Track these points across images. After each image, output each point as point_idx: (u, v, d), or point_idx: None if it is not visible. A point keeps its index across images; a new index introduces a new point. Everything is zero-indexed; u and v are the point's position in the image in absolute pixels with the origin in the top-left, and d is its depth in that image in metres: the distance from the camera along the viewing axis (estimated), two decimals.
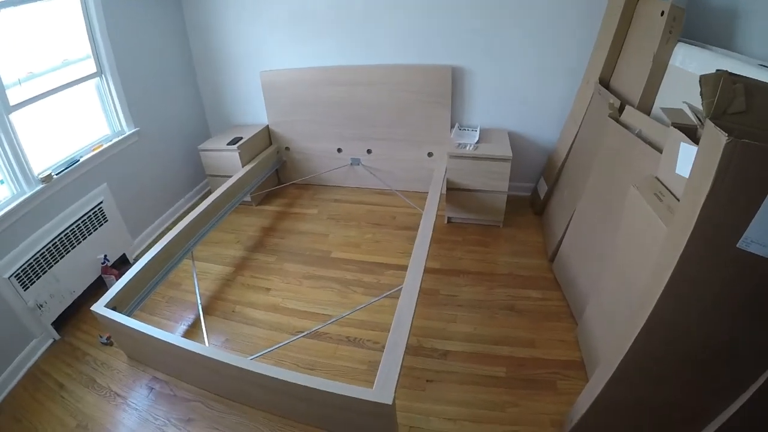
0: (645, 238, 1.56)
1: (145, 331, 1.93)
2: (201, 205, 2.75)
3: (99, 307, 2.06)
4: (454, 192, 2.88)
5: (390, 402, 1.47)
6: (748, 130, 0.98)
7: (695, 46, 1.90)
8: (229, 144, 3.20)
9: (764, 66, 1.57)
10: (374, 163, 3.40)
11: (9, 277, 2.13)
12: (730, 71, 1.05)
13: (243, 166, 3.19)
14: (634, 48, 2.27)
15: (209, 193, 3.64)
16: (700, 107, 1.30)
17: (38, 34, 2.42)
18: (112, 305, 2.10)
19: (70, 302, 2.52)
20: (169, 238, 2.45)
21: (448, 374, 2.03)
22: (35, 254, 2.27)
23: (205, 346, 1.93)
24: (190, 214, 2.66)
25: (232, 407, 1.97)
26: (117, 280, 2.65)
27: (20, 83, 2.24)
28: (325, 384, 1.60)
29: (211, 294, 2.59)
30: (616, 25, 2.34)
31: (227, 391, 2.01)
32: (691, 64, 1.85)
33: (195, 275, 2.47)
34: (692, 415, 1.44)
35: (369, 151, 3.37)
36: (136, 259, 2.94)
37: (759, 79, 1.15)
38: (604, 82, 2.49)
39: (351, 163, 3.45)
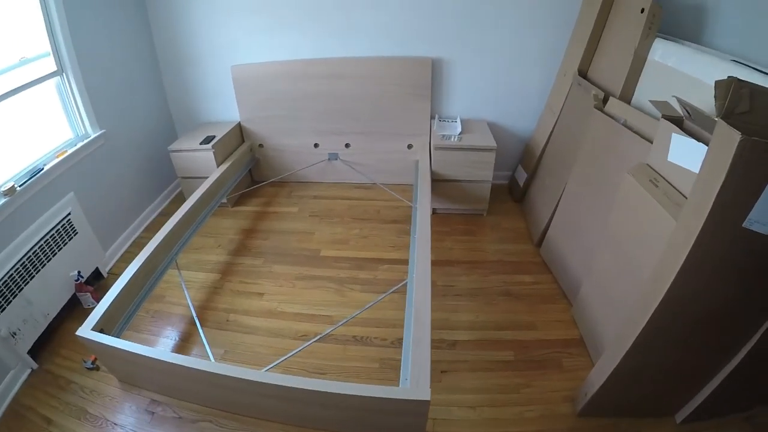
0: (643, 221, 1.63)
1: (142, 353, 1.75)
2: (179, 210, 2.52)
3: (85, 331, 1.84)
4: (438, 183, 2.84)
5: (428, 398, 1.41)
6: (752, 128, 1.06)
7: (672, 41, 1.96)
8: (202, 143, 2.95)
9: (736, 61, 1.65)
10: (353, 158, 3.28)
11: None
12: (738, 78, 1.12)
13: (218, 166, 2.97)
14: (613, 42, 2.30)
15: (180, 195, 3.41)
16: (689, 102, 1.43)
17: None
18: (99, 327, 1.88)
19: (45, 326, 2.25)
20: (151, 249, 2.23)
21: (460, 363, 2.02)
22: (3, 277, 1.99)
23: (213, 363, 1.79)
24: (169, 221, 2.43)
25: (244, 422, 1.85)
26: (93, 297, 2.45)
27: None
28: (356, 389, 1.49)
29: (199, 304, 2.41)
30: (594, 20, 2.36)
31: (237, 406, 1.88)
32: (671, 58, 1.91)
33: (184, 285, 2.28)
34: (694, 374, 1.56)
35: (347, 146, 3.24)
36: (110, 273, 2.71)
37: (731, 73, 1.34)
38: (582, 74, 2.52)
39: (329, 158, 3.30)
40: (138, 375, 1.99)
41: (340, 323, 2.09)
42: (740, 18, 1.89)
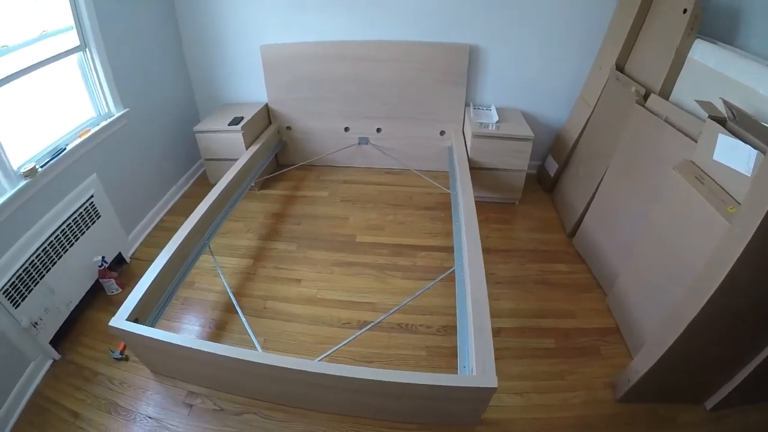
0: (688, 216, 1.60)
1: (184, 344, 1.53)
2: (210, 194, 2.27)
3: (119, 321, 1.61)
4: (474, 171, 2.61)
5: (495, 385, 1.33)
6: None
7: (712, 43, 1.89)
8: (230, 124, 2.69)
9: None
10: (384, 142, 3.05)
11: None
12: None
13: (247, 148, 2.72)
14: (653, 39, 2.19)
15: (203, 177, 3.17)
16: (735, 105, 1.44)
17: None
18: (134, 317, 1.65)
19: (67, 315, 2.01)
20: (184, 234, 1.99)
21: (506, 350, 1.89)
22: (24, 263, 1.76)
23: (264, 354, 1.58)
24: (200, 205, 2.19)
25: (293, 414, 1.66)
26: (117, 283, 2.21)
27: None
28: (424, 378, 1.37)
29: (233, 291, 2.14)
30: (634, 16, 2.25)
31: (284, 397, 1.69)
32: (711, 60, 1.84)
33: (221, 272, 2.05)
34: (728, 363, 1.55)
35: (379, 130, 3.00)
36: (133, 258, 2.46)
37: (766, 78, 1.50)
38: (619, 68, 2.38)
39: (359, 143, 3.06)
40: (174, 366, 1.77)
41: (393, 310, 1.89)
42: None
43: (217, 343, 1.55)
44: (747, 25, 1.94)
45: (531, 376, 1.78)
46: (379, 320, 1.84)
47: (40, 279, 1.84)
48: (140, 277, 2.26)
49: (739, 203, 1.41)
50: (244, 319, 1.81)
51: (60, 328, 1.96)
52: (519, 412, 1.64)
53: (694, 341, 1.43)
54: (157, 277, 1.79)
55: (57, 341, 1.92)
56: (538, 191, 2.98)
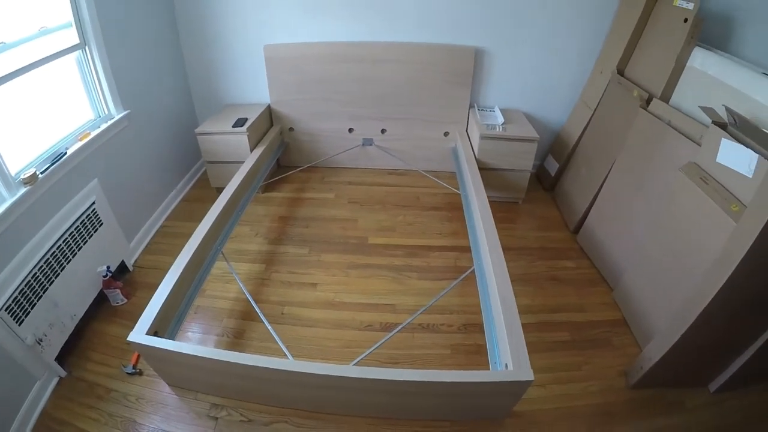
0: (694, 215, 1.65)
1: (213, 357, 1.41)
2: (220, 198, 2.14)
3: (139, 335, 1.47)
4: (480, 171, 2.52)
5: (532, 378, 1.34)
6: None
7: (711, 51, 1.94)
8: (234, 126, 2.54)
9: (767, 74, 1.64)
10: (388, 143, 2.96)
11: None
12: None
13: (251, 151, 2.58)
14: (654, 46, 2.23)
15: (203, 180, 3.01)
16: (737, 111, 1.51)
17: None
18: (153, 331, 1.52)
19: (72, 329, 1.83)
20: (197, 241, 1.85)
21: (527, 345, 1.85)
22: (27, 276, 1.58)
23: (294, 362, 1.49)
24: (210, 210, 2.04)
25: (325, 420, 1.58)
26: (123, 293, 2.04)
27: None
28: (464, 375, 1.35)
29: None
30: (635, 23, 2.28)
31: (316, 404, 1.61)
32: (711, 68, 1.89)
33: (238, 278, 1.93)
34: (731, 348, 1.62)
35: (383, 131, 2.92)
36: (136, 266, 2.28)
37: (763, 86, 1.59)
38: (620, 73, 2.41)
39: (363, 144, 2.97)
40: (196, 378, 1.64)
41: (420, 311, 1.82)
42: (765, 32, 1.87)
43: (247, 354, 1.44)
44: (740, 33, 2.00)
45: (551, 369, 1.79)
46: (408, 321, 1.77)
47: (43, 293, 1.66)
48: (145, 286, 2.16)
49: (741, 202, 1.46)
50: (270, 327, 1.70)
51: (65, 343, 1.79)
52: (542, 403, 1.66)
53: (704, 330, 1.48)
54: (173, 287, 1.65)
55: (62, 357, 1.75)
56: (538, 190, 2.98)
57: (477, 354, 1.83)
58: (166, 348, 1.46)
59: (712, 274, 1.40)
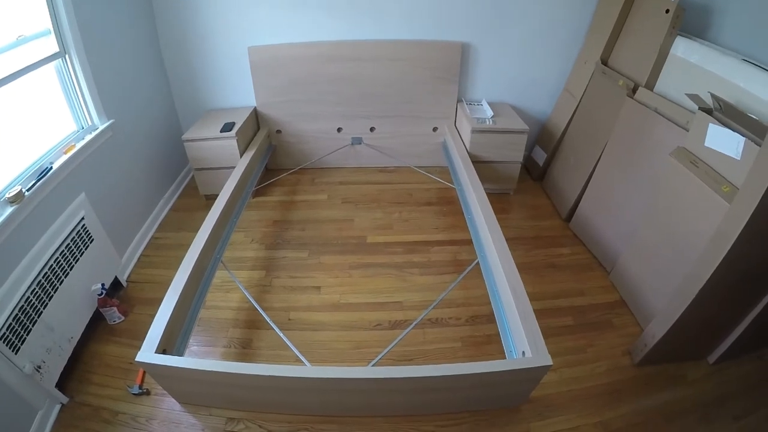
0: (686, 197, 1.71)
1: (228, 371, 1.37)
2: (214, 206, 2.05)
3: (147, 354, 1.40)
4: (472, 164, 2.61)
5: (550, 363, 1.36)
6: None
7: (693, 40, 2.00)
8: (222, 131, 2.45)
9: (746, 60, 1.71)
10: (377, 141, 2.93)
11: None
12: None
13: (241, 155, 2.50)
14: (637, 36, 2.28)
15: (190, 188, 2.91)
16: (722, 97, 1.59)
17: None
18: (161, 349, 1.45)
19: (70, 352, 1.73)
20: (197, 252, 1.77)
21: None
22: (19, 301, 1.48)
23: (311, 368, 1.46)
24: (206, 219, 1.96)
25: (345, 423, 1.56)
26: (120, 311, 1.95)
27: None
28: (485, 366, 1.35)
29: (251, 305, 1.95)
30: (617, 15, 2.32)
31: (333, 408, 1.59)
32: (693, 56, 1.94)
33: (242, 287, 1.86)
34: (727, 321, 1.69)
35: (372, 129, 2.89)
36: (129, 281, 2.18)
37: (744, 71, 1.66)
38: (604, 62, 2.45)
39: (352, 143, 2.93)
40: (209, 393, 1.58)
41: (431, 307, 1.81)
42: (745, 18, 1.94)
43: (265, 365, 1.40)
44: (719, 21, 2.05)
45: (560, 353, 1.79)
46: (420, 319, 1.76)
47: (38, 317, 1.56)
48: (142, 302, 2.07)
49: (731, 183, 1.53)
50: (281, 334, 1.65)
51: (64, 367, 1.69)
52: (556, 387, 1.69)
53: (703, 305, 1.54)
54: (177, 301, 1.58)
55: (62, 383, 1.65)
56: (527, 180, 3.02)
57: (487, 344, 1.85)
58: (178, 366, 1.39)
59: (710, 253, 1.46)
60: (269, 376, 1.36)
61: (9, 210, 1.49)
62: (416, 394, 1.50)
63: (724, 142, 1.57)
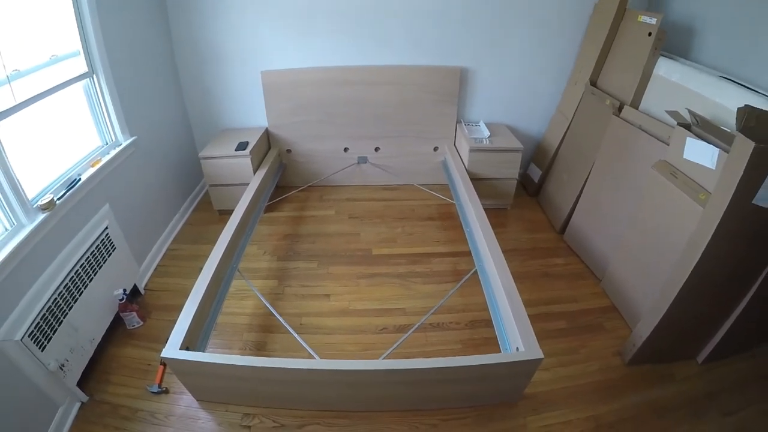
0: (667, 205, 1.83)
1: (250, 364, 1.46)
2: (231, 220, 2.16)
3: (172, 350, 1.49)
4: (471, 181, 2.73)
5: (542, 356, 1.47)
6: (757, 137, 1.33)
7: (673, 60, 2.16)
8: (237, 149, 2.60)
9: (724, 77, 1.88)
10: (382, 160, 3.09)
11: (21, 338, 1.43)
12: (751, 105, 1.40)
13: (254, 173, 2.64)
14: (622, 58, 2.44)
15: (204, 203, 3.04)
16: (698, 113, 1.71)
17: (23, 22, 1.65)
18: (185, 346, 1.54)
19: (91, 353, 1.81)
20: (216, 260, 1.88)
21: None
22: (48, 302, 1.57)
23: (326, 360, 1.53)
24: (224, 231, 2.07)
25: (354, 418, 1.63)
26: (139, 316, 2.03)
27: (9, 81, 1.47)
28: (483, 359, 1.47)
29: (265, 311, 2.08)
30: (604, 39, 2.50)
31: (343, 403, 1.66)
32: (674, 75, 2.10)
33: (258, 293, 1.97)
34: (712, 320, 1.79)
35: (377, 149, 3.05)
36: (147, 289, 2.27)
37: (723, 89, 1.82)
38: (593, 84, 2.63)
39: (358, 162, 3.08)
40: (226, 389, 1.66)
41: (430, 312, 1.92)
42: (721, 38, 2.11)
43: (282, 358, 1.49)
44: (699, 41, 2.21)
45: (554, 354, 1.90)
46: (421, 321, 1.86)
47: (64, 318, 1.64)
48: (159, 308, 2.18)
49: (708, 191, 1.63)
50: (294, 333, 1.73)
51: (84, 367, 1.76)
52: (550, 384, 1.78)
53: (684, 304, 1.65)
54: (199, 304, 1.68)
55: (82, 382, 1.72)
56: (523, 196, 3.16)
57: (485, 346, 1.94)
58: (202, 360, 1.49)
59: (687, 255, 1.59)
60: (288, 368, 1.45)
61: (41, 216, 1.60)
62: (419, 388, 1.58)
63: (701, 153, 1.69)
